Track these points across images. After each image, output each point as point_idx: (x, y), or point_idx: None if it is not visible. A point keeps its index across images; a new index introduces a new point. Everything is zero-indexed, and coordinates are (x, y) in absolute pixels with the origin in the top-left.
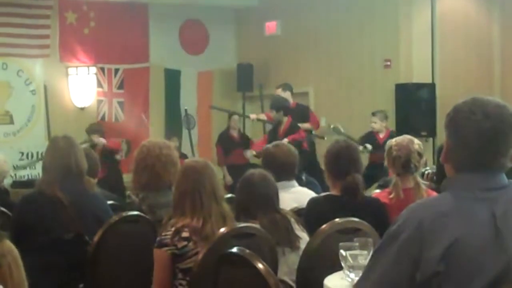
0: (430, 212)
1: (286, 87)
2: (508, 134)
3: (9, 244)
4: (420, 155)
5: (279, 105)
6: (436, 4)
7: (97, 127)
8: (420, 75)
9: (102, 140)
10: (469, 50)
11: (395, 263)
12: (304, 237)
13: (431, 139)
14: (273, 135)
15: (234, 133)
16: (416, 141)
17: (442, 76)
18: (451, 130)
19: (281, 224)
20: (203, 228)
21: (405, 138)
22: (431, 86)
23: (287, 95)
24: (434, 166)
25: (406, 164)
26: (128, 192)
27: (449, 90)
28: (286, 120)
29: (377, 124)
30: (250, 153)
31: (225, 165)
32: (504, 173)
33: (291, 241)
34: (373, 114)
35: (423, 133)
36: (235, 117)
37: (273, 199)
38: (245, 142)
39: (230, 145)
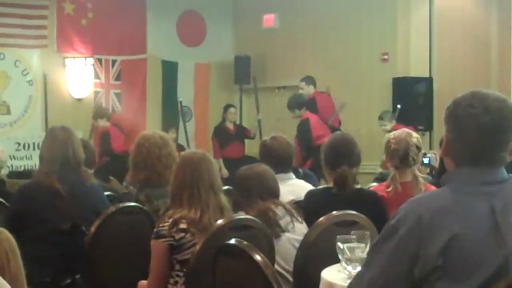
0: (429, 207)
1: (309, 80)
2: (508, 128)
3: (6, 234)
4: (418, 148)
5: (299, 103)
6: None
7: (105, 111)
8: (417, 69)
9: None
10: (467, 44)
11: (394, 257)
12: (299, 229)
13: (428, 133)
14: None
15: (230, 126)
16: (414, 134)
17: (439, 70)
18: (451, 124)
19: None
20: (200, 220)
21: (403, 131)
22: (429, 80)
23: (310, 88)
24: (434, 154)
25: (404, 157)
26: (125, 183)
27: (446, 84)
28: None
29: (388, 126)
30: None
31: (221, 158)
32: (503, 167)
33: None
34: (380, 118)
35: (420, 127)
36: (232, 109)
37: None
38: (241, 134)
39: (226, 137)
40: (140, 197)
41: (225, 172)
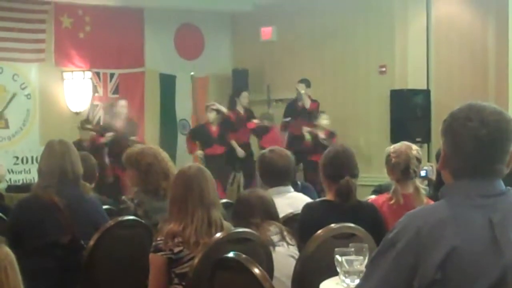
0: (428, 220)
1: (306, 82)
2: (505, 141)
3: (5, 249)
4: (418, 160)
5: None
6: (432, 11)
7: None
8: (415, 81)
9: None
10: (464, 56)
11: (392, 270)
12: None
13: (426, 145)
14: None
15: (213, 127)
16: (414, 147)
17: (437, 82)
18: (448, 137)
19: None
20: (183, 233)
21: (403, 144)
22: (426, 92)
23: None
24: (431, 166)
25: (405, 170)
26: (123, 197)
27: (444, 96)
28: None
29: None
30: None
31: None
32: (500, 179)
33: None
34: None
35: (418, 139)
36: (245, 93)
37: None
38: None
39: (207, 139)
40: (138, 212)
41: (240, 152)
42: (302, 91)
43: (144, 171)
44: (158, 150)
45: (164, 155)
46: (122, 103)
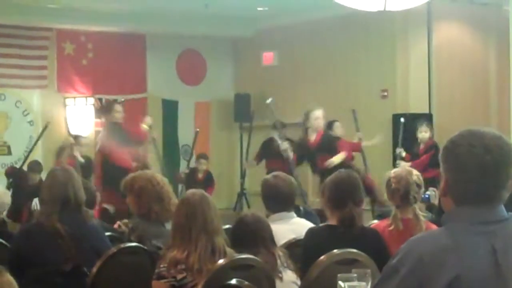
0: (430, 247)
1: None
2: (508, 166)
3: (7, 276)
4: (419, 186)
5: None
6: (433, 35)
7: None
8: (417, 105)
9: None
10: (466, 80)
11: None
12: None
13: None
14: None
15: (200, 175)
16: (414, 172)
17: (439, 106)
18: (451, 164)
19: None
20: (187, 260)
21: (403, 169)
22: (428, 116)
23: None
24: (433, 191)
25: (405, 196)
26: (117, 222)
27: (446, 120)
28: None
29: (428, 133)
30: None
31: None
32: (502, 205)
33: None
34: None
35: None
36: (203, 160)
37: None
38: (209, 183)
39: (194, 185)
40: (131, 238)
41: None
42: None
43: (137, 195)
44: (153, 174)
45: (160, 179)
46: (118, 108)
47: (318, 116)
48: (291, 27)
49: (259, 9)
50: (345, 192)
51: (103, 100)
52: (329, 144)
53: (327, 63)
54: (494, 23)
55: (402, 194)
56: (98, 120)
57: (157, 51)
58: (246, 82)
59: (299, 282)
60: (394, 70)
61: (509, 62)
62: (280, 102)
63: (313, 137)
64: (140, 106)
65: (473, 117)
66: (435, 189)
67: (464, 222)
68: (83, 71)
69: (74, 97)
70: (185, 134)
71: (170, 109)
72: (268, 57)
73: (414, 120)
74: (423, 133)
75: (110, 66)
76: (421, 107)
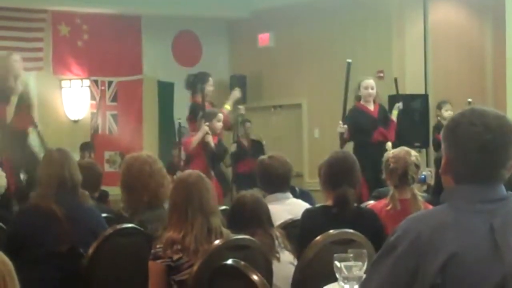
0: (428, 225)
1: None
2: (508, 145)
3: (3, 257)
4: (417, 166)
5: None
6: (429, 15)
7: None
8: (413, 86)
9: None
10: (462, 60)
11: (392, 274)
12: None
13: (424, 150)
14: None
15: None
16: (413, 152)
17: (435, 86)
18: (451, 142)
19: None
20: (183, 241)
21: (402, 150)
22: (424, 97)
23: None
24: (429, 171)
25: (403, 176)
26: (117, 209)
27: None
28: None
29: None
30: None
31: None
32: (502, 184)
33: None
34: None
35: (417, 144)
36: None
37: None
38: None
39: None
40: (134, 223)
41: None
42: None
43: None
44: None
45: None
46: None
47: (367, 86)
48: (287, 8)
49: None
50: (339, 173)
51: (99, 81)
52: (385, 117)
53: (323, 44)
54: (490, 2)
55: (400, 174)
56: (94, 102)
57: (152, 33)
58: (242, 64)
59: (295, 263)
60: (390, 51)
61: (505, 42)
62: (276, 84)
63: (371, 107)
64: (135, 88)
65: (469, 97)
66: (431, 169)
67: (463, 200)
68: (78, 53)
69: (70, 79)
70: (181, 115)
71: (165, 91)
72: (264, 38)
73: (410, 101)
74: (449, 112)
75: (105, 48)
76: (417, 88)
